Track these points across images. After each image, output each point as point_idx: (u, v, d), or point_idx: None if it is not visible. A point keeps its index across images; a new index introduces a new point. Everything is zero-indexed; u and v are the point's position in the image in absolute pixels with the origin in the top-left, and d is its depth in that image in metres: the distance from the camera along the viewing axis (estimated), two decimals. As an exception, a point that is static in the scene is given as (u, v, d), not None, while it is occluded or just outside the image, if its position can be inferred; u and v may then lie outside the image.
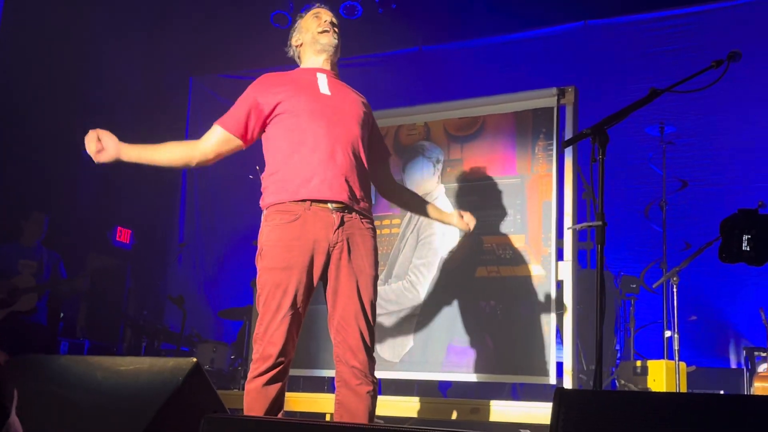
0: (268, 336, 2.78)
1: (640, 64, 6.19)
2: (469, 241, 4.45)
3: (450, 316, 4.41)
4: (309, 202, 2.83)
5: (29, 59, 6.38)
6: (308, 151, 2.88)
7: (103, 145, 2.92)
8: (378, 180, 3.29)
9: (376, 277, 2.92)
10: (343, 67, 7.06)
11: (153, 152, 3.01)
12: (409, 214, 4.63)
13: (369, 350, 2.85)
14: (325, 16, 3.18)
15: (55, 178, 6.45)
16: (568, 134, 4.28)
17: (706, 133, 6.00)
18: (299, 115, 2.93)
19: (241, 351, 5.76)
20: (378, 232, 4.60)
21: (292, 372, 4.77)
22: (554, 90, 4.35)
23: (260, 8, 7.10)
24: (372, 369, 2.86)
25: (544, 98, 4.38)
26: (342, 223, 2.85)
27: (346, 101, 3.06)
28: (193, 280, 7.19)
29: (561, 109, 4.35)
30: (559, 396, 2.12)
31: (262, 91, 3.01)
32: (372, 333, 2.88)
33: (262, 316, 2.81)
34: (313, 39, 3.14)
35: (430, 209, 3.42)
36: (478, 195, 4.50)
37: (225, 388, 5.29)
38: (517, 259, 4.31)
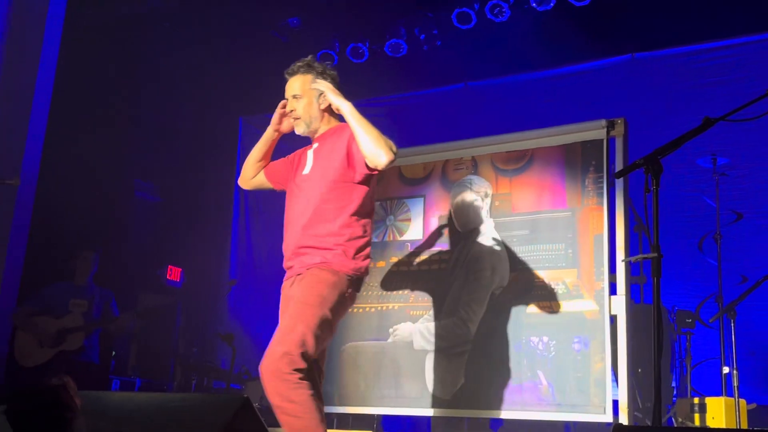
0: None
1: (688, 96, 6.11)
2: (520, 276, 4.40)
3: (501, 352, 4.34)
4: None
5: (81, 101, 6.54)
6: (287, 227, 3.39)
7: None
8: None
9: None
10: (387, 104, 7.14)
11: (261, 151, 3.63)
12: (458, 248, 4.60)
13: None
14: (288, 95, 3.47)
15: (107, 217, 6.57)
16: (618, 166, 4.23)
17: (760, 164, 5.87)
18: (288, 197, 3.44)
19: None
20: (426, 267, 4.63)
21: (341, 409, 4.77)
22: (603, 122, 4.31)
23: (307, 49, 7.18)
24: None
25: (593, 130, 4.35)
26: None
27: (320, 172, 3.31)
28: (244, 317, 7.22)
29: (611, 141, 4.30)
30: (618, 432, 2.07)
31: (291, 161, 3.54)
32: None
33: None
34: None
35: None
36: (528, 229, 4.46)
37: (275, 425, 5.27)
38: (569, 294, 4.25)
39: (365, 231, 3.29)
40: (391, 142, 3.22)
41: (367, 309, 4.75)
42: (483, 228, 4.58)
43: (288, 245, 3.32)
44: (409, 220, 4.80)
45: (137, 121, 7.15)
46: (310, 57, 3.47)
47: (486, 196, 4.62)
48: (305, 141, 3.54)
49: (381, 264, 4.80)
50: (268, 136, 3.57)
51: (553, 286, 4.29)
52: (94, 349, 5.70)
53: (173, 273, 7.09)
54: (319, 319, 3.06)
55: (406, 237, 4.79)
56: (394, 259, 4.78)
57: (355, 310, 4.76)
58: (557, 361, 4.18)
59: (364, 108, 7.50)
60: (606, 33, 6.18)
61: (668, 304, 5.60)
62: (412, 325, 4.62)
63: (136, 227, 7.07)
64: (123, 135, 6.92)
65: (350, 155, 3.26)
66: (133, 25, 6.98)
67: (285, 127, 3.52)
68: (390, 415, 5.19)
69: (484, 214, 4.59)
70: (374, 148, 3.15)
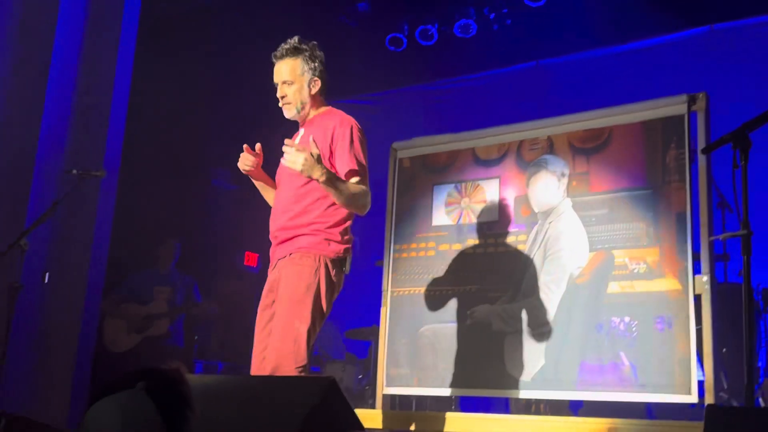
0: None
1: (771, 67, 5.91)
2: (599, 256, 4.35)
3: (581, 333, 4.30)
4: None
5: (159, 92, 6.69)
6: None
7: (253, 164, 3.49)
8: None
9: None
10: (458, 86, 7.09)
11: (266, 190, 3.67)
12: (534, 229, 4.57)
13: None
14: (278, 79, 3.46)
15: (186, 205, 6.72)
16: (700, 142, 4.12)
17: None
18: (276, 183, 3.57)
19: (368, 370, 5.81)
20: (503, 249, 4.61)
21: (420, 391, 4.80)
22: (684, 97, 4.19)
23: (375, 33, 7.20)
24: None
25: (674, 105, 4.23)
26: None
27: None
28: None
29: (692, 116, 4.19)
30: (710, 414, 2.04)
31: None
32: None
33: None
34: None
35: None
36: (608, 208, 4.39)
37: (355, 407, 5.33)
38: (651, 273, 4.17)
39: (347, 215, 3.39)
40: (366, 199, 3.38)
41: (444, 292, 4.75)
42: (560, 208, 4.52)
43: (272, 231, 3.46)
44: (484, 201, 4.78)
45: (213, 109, 7.28)
46: (296, 38, 3.46)
47: (563, 175, 4.56)
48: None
49: (457, 246, 4.79)
50: (256, 181, 3.67)
51: (633, 266, 4.22)
52: (179, 334, 5.87)
53: (250, 259, 7.23)
54: (311, 312, 3.23)
55: (481, 219, 4.77)
56: (470, 242, 4.76)
57: (432, 292, 4.78)
58: (639, 342, 4.12)
59: (432, 91, 7.52)
60: (683, 4, 6.01)
61: (753, 283, 5.45)
62: (489, 307, 4.61)
63: (214, 215, 7.21)
64: (199, 124, 7.05)
65: (332, 156, 3.38)
66: (207, 15, 7.10)
67: (256, 168, 3.57)
68: (468, 397, 5.21)
69: (561, 193, 4.54)
70: (352, 209, 3.38)
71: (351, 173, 3.34)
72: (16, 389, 5.23)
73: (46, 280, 4.22)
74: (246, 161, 3.47)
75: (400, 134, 5.72)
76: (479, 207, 4.79)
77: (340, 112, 3.53)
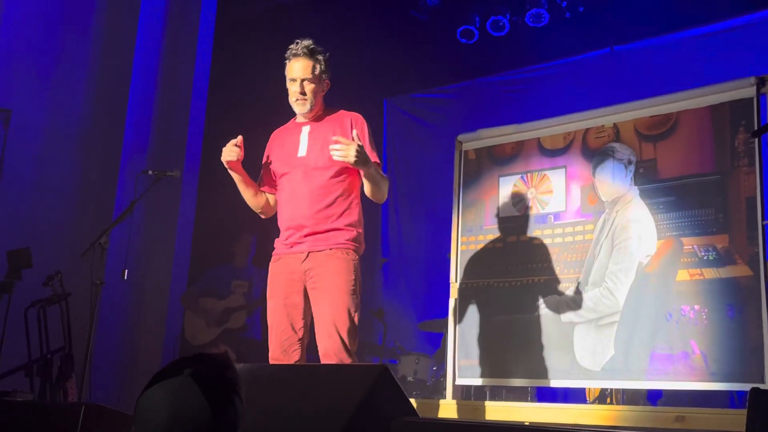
0: None
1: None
2: (668, 243, 4.28)
3: (651, 322, 4.25)
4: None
5: (235, 93, 6.90)
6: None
7: (238, 156, 3.50)
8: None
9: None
10: (529, 75, 7.02)
11: (247, 187, 3.65)
12: (602, 218, 4.53)
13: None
14: (296, 75, 3.53)
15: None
16: (771, 125, 4.01)
17: None
18: (280, 177, 3.58)
19: (442, 362, 5.84)
20: (571, 239, 4.59)
21: (490, 382, 4.83)
22: (752, 79, 4.08)
23: (446, 26, 7.21)
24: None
25: (742, 89, 4.13)
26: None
27: (320, 154, 3.47)
28: (397, 293, 7.38)
29: (761, 99, 4.08)
30: (754, 397, 2.03)
31: (268, 152, 3.71)
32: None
33: None
34: (292, 104, 3.58)
35: None
36: (676, 195, 4.32)
37: (428, 398, 5.40)
38: (721, 260, 4.09)
39: (361, 214, 3.56)
40: (386, 191, 3.58)
41: (513, 283, 4.76)
42: (628, 196, 4.47)
43: (292, 222, 3.48)
44: (550, 191, 4.76)
45: (284, 108, 7.43)
46: (310, 41, 3.56)
47: (630, 163, 4.50)
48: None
49: (524, 237, 4.80)
50: (236, 176, 3.63)
51: (703, 253, 4.14)
52: (257, 326, 6.05)
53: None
54: (357, 305, 3.38)
55: (548, 209, 4.75)
56: (538, 232, 4.76)
57: (501, 284, 4.79)
58: (710, 330, 4.04)
59: (505, 81, 7.46)
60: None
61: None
62: (558, 297, 4.60)
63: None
64: (274, 122, 7.21)
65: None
66: (281, 15, 7.25)
67: (237, 163, 3.56)
68: (544, 387, 5.20)
69: (629, 182, 4.49)
70: (378, 198, 3.55)
71: (376, 165, 3.50)
72: (104, 383, 5.51)
73: (125, 278, 4.42)
74: (231, 153, 3.51)
75: (470, 126, 5.75)
76: (546, 197, 4.78)
77: (345, 111, 3.66)
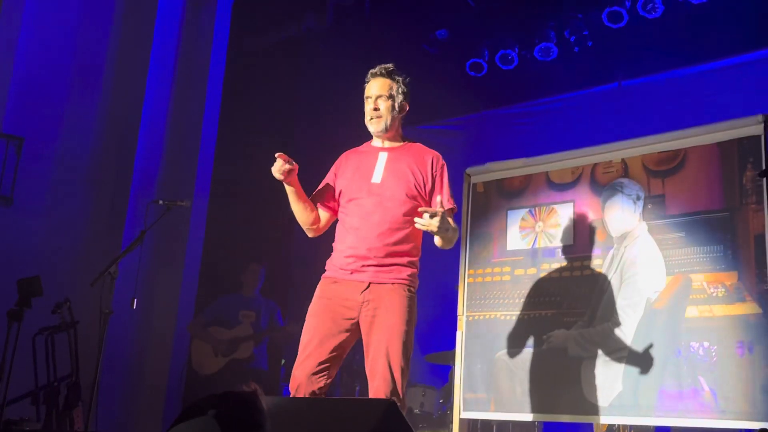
0: None
1: None
2: (677, 280, 4.28)
3: (659, 358, 4.23)
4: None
5: (245, 123, 6.96)
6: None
7: (290, 169, 3.41)
8: None
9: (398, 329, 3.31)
10: (537, 108, 7.06)
11: (299, 201, 3.52)
12: (610, 253, 4.54)
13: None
14: (372, 93, 3.50)
15: (271, 231, 6.92)
16: (778, 163, 4.02)
17: None
18: (349, 201, 3.47)
19: (449, 395, 5.83)
20: (579, 273, 4.59)
21: (497, 416, 4.80)
22: (760, 117, 4.10)
23: (456, 59, 7.28)
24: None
25: (749, 126, 4.15)
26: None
27: (396, 186, 3.42)
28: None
29: (768, 137, 4.10)
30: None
31: (336, 171, 3.62)
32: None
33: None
34: (367, 123, 3.52)
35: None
36: (685, 231, 4.32)
37: (435, 431, 5.38)
38: (730, 297, 4.08)
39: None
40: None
41: (520, 316, 4.76)
42: (636, 232, 4.48)
43: (357, 251, 3.38)
44: (558, 225, 4.77)
45: (296, 138, 7.49)
46: (391, 64, 3.56)
47: (638, 198, 4.52)
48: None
49: (532, 271, 4.80)
50: (289, 189, 3.52)
51: (712, 290, 4.14)
52: (263, 357, 6.05)
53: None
54: (412, 343, 3.33)
55: (556, 243, 4.76)
56: (545, 266, 4.76)
57: (508, 317, 4.79)
58: (720, 367, 4.03)
59: (513, 114, 7.50)
60: (763, 23, 5.87)
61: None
62: (566, 331, 4.59)
63: (296, 240, 7.40)
64: (285, 152, 7.26)
65: (430, 188, 3.47)
66: (289, 48, 7.34)
67: (291, 175, 3.46)
68: (550, 422, 5.17)
69: (637, 217, 4.49)
70: (446, 247, 3.48)
71: (449, 212, 3.44)
72: (111, 411, 5.50)
73: (135, 306, 4.43)
74: (276, 171, 3.42)
75: (478, 158, 5.78)
76: (554, 231, 4.79)
77: (426, 147, 3.62)
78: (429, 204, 3.45)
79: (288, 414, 2.70)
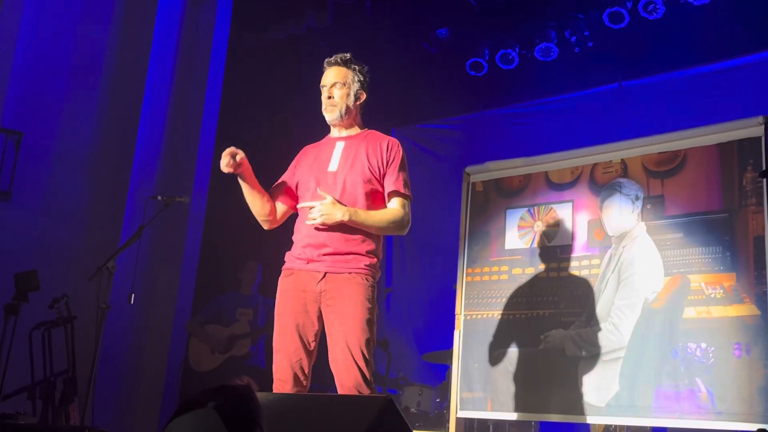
0: None
1: None
2: (675, 280, 4.28)
3: (656, 359, 4.23)
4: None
5: (245, 121, 6.95)
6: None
7: (237, 163, 3.38)
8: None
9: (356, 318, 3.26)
10: (537, 109, 7.05)
11: (252, 191, 3.50)
12: (608, 253, 4.53)
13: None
14: (327, 81, 3.47)
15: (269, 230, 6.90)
16: (778, 164, 4.02)
17: None
18: (306, 192, 3.43)
19: (446, 394, 5.82)
20: (577, 273, 4.58)
21: (493, 415, 4.80)
22: (761, 119, 4.11)
23: (456, 58, 7.27)
24: None
25: (749, 128, 4.15)
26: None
27: (351, 173, 3.38)
28: (401, 323, 7.37)
29: (769, 138, 4.10)
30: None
31: (295, 164, 3.59)
32: None
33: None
34: (323, 113, 3.50)
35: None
36: (683, 232, 4.32)
37: (431, 431, 5.37)
38: (728, 298, 4.08)
39: (381, 244, 3.45)
40: (404, 221, 3.41)
41: (518, 316, 4.75)
42: (634, 232, 4.48)
43: (313, 239, 3.33)
44: (557, 225, 4.77)
45: (294, 136, 7.47)
46: (349, 54, 3.52)
47: (637, 199, 4.51)
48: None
49: (530, 270, 4.80)
50: (241, 180, 3.49)
51: (710, 291, 4.14)
52: (260, 354, 6.04)
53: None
54: (374, 334, 3.28)
55: (554, 243, 4.76)
56: (543, 266, 4.76)
57: (506, 316, 4.79)
58: (717, 368, 4.03)
59: (512, 114, 7.50)
60: (764, 25, 5.86)
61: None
62: (563, 331, 4.59)
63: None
64: (282, 151, 7.24)
65: (384, 173, 3.41)
66: (290, 46, 7.32)
67: (244, 166, 3.43)
68: (547, 422, 5.17)
69: (635, 217, 4.49)
70: (389, 233, 3.45)
71: (393, 194, 3.40)
72: (107, 407, 5.49)
73: (132, 302, 4.42)
74: (223, 165, 3.38)
75: (477, 157, 5.77)
76: (552, 231, 4.79)
77: (384, 134, 3.57)
78: (384, 189, 3.40)
79: (283, 410, 2.70)
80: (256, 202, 3.52)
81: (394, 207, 3.40)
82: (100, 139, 6.31)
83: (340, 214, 3.24)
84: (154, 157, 6.50)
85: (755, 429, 3.85)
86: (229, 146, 3.42)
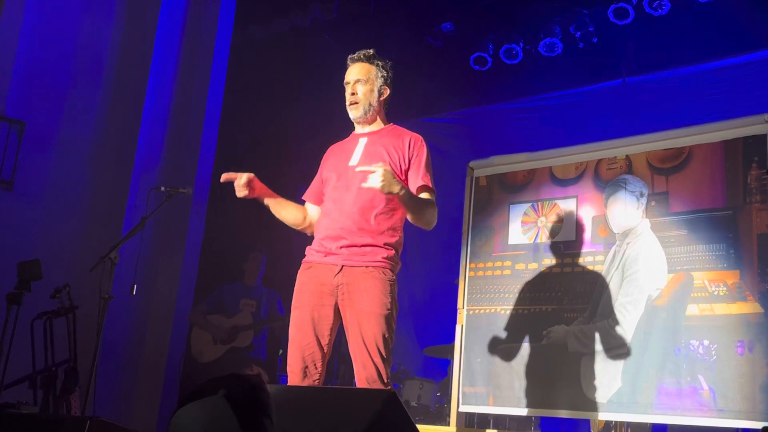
0: None
1: None
2: (678, 277, 4.27)
3: (659, 356, 4.23)
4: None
5: (248, 112, 6.94)
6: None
7: (251, 187, 3.44)
8: None
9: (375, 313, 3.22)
10: (541, 104, 7.04)
11: (279, 206, 3.58)
12: (612, 250, 4.53)
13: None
14: (350, 78, 3.45)
15: (274, 220, 6.91)
16: (783, 162, 4.01)
17: None
18: (329, 188, 3.44)
19: (447, 388, 5.82)
20: (580, 269, 4.58)
21: (495, 410, 4.80)
22: (766, 116, 4.10)
23: (460, 52, 7.26)
24: None
25: (755, 125, 4.14)
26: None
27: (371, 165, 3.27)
28: (402, 317, 7.36)
29: (774, 136, 4.09)
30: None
31: (322, 165, 3.59)
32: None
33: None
34: (348, 109, 3.47)
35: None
36: (687, 229, 4.32)
37: (431, 425, 5.37)
38: (731, 296, 4.08)
39: (402, 236, 3.42)
40: (434, 215, 3.37)
41: (520, 311, 4.75)
42: (638, 228, 4.47)
43: (330, 231, 3.32)
44: (561, 221, 4.76)
45: (299, 128, 7.47)
46: (372, 50, 3.50)
47: (641, 195, 4.51)
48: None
49: (533, 266, 4.79)
50: (266, 202, 3.57)
51: (713, 288, 4.13)
52: (262, 346, 6.04)
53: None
54: (392, 330, 3.24)
55: (558, 238, 4.75)
56: (547, 261, 4.75)
57: (508, 312, 4.78)
58: (719, 366, 4.02)
59: (516, 109, 7.49)
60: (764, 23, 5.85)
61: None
62: (566, 327, 4.59)
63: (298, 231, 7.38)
64: (287, 142, 7.25)
65: (407, 169, 3.38)
66: (294, 38, 7.30)
67: (256, 187, 3.48)
68: (548, 417, 5.17)
69: (640, 214, 4.49)
70: (421, 224, 3.37)
71: (422, 188, 3.36)
72: (108, 397, 5.49)
73: (134, 293, 4.42)
74: (238, 191, 3.44)
75: (480, 152, 5.76)
76: (556, 226, 4.78)
77: (407, 130, 3.53)
78: (407, 184, 3.36)
79: (288, 403, 2.69)
80: (286, 215, 3.58)
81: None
82: (103, 129, 6.29)
83: (398, 188, 3.16)
84: (157, 148, 6.49)
85: (757, 427, 3.85)
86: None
